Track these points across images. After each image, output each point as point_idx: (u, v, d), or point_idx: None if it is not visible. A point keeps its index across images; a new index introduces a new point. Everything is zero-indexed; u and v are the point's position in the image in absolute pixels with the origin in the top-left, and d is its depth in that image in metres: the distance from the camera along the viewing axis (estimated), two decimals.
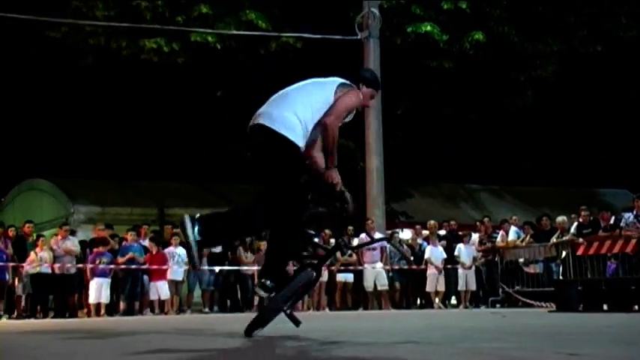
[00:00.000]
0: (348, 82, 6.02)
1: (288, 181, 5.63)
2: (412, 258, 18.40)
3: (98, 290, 16.29)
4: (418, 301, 18.80)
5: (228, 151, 22.87)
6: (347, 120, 5.97)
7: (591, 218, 16.37)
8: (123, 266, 16.75)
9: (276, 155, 5.67)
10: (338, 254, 14.44)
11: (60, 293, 16.70)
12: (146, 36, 19.81)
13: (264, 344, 5.57)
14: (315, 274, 6.05)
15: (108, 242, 17.09)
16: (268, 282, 5.75)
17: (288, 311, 5.84)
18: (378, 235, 17.06)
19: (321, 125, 5.73)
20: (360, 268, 17.77)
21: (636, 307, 12.38)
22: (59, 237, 16.84)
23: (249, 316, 6.18)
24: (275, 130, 5.65)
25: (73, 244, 16.80)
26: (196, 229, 5.68)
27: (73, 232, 17.84)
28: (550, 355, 4.43)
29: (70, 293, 16.82)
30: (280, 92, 6.01)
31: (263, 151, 5.75)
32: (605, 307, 12.74)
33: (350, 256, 17.08)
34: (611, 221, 15.92)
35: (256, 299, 17.11)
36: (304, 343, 5.42)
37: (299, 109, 5.74)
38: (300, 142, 5.68)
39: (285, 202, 5.61)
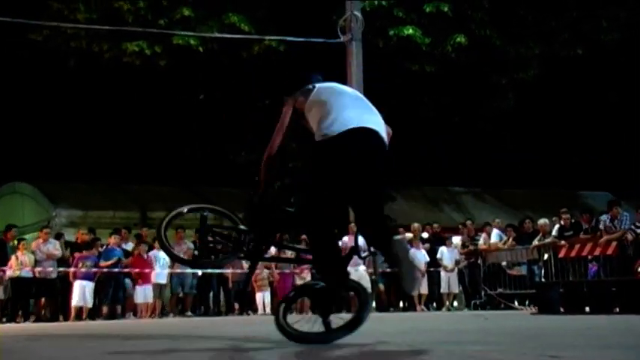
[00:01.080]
0: None
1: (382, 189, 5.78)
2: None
3: (81, 294, 16.23)
4: (401, 304, 18.82)
5: (211, 153, 22.83)
6: None
7: (573, 221, 16.45)
8: (106, 270, 16.70)
9: (383, 164, 5.64)
10: None
11: (41, 297, 16.61)
12: (128, 39, 19.73)
13: (257, 347, 5.57)
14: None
15: (92, 246, 17.00)
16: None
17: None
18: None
19: (389, 136, 5.80)
20: None
21: (617, 309, 12.46)
22: (40, 240, 16.75)
23: (233, 320, 6.16)
24: (384, 141, 5.65)
25: (54, 247, 16.71)
26: None
27: (59, 236, 17.75)
28: (531, 357, 4.46)
29: (52, 297, 16.73)
30: (354, 99, 5.84)
31: (377, 158, 5.62)
32: (586, 309, 12.82)
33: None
34: (592, 224, 16.02)
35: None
36: (289, 346, 5.41)
37: (381, 119, 5.80)
38: None
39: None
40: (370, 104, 5.82)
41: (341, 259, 5.73)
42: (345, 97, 5.75)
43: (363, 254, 6.13)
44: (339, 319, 5.67)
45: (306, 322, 5.74)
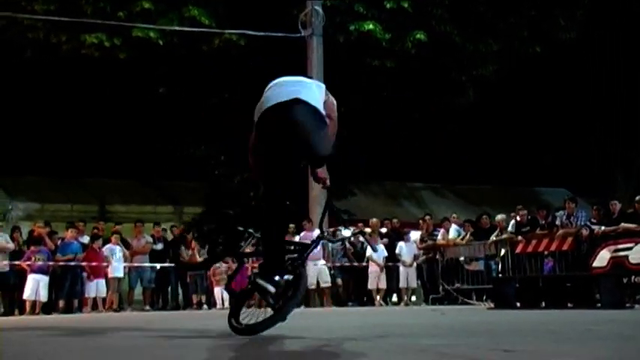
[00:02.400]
0: None
1: None
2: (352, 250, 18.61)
3: (35, 287, 16.02)
4: (359, 299, 18.89)
5: (170, 147, 22.70)
6: None
7: (529, 217, 16.61)
8: (61, 263, 16.53)
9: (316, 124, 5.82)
10: None
11: None
12: (87, 31, 19.52)
13: (211, 342, 5.55)
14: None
15: (43, 242, 16.76)
16: (277, 277, 5.62)
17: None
18: (316, 234, 17.00)
19: (332, 120, 5.97)
20: None
21: (570, 304, 12.65)
22: None
23: (191, 314, 6.15)
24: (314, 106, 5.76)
25: (6, 240, 16.48)
26: None
27: (16, 229, 17.53)
28: (485, 351, 4.50)
29: (5, 291, 16.52)
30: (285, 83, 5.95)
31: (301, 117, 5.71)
32: (541, 304, 12.99)
33: None
34: (549, 220, 16.20)
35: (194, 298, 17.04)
36: (241, 341, 5.40)
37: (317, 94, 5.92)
38: None
39: None
40: (302, 81, 5.96)
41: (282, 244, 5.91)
42: (276, 86, 5.91)
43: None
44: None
45: (254, 314, 5.80)
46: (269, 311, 5.65)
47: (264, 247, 5.84)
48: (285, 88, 5.78)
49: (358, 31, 20.32)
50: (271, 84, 5.92)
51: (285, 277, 5.69)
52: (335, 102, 6.02)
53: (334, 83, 19.34)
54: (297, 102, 5.62)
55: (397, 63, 21.38)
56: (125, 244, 17.75)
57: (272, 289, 5.56)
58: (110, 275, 17.11)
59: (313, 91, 5.79)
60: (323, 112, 5.74)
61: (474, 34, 21.83)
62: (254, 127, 5.79)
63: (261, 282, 5.61)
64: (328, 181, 6.06)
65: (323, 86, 6.04)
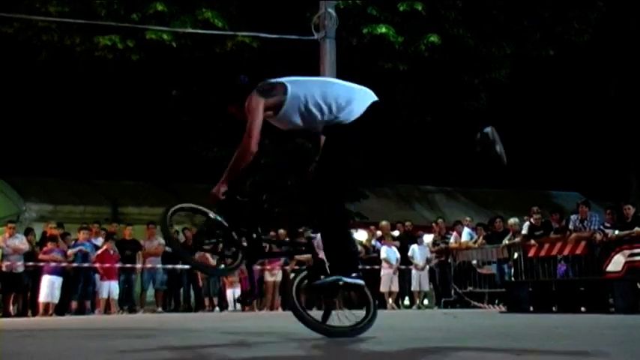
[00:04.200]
0: None
1: None
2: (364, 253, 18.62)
3: (50, 288, 16.09)
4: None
5: (183, 149, 22.74)
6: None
7: (543, 220, 16.55)
8: (74, 264, 16.59)
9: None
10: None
11: (9, 292, 16.46)
12: (101, 33, 19.60)
13: (226, 343, 5.55)
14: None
15: (57, 242, 16.83)
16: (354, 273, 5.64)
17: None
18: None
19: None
20: None
21: (583, 308, 12.58)
22: (7, 235, 16.59)
23: (203, 316, 6.14)
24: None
25: (21, 241, 16.55)
26: None
27: (28, 231, 17.60)
28: (498, 355, 4.48)
29: (19, 292, 16.58)
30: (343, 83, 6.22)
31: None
32: (554, 308, 12.93)
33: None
34: (562, 223, 16.14)
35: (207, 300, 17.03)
36: (254, 342, 5.40)
37: None
38: None
39: None
40: None
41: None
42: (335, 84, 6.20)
43: None
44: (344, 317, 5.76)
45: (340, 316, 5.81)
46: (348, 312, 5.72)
47: (333, 248, 5.73)
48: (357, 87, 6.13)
49: (371, 34, 20.34)
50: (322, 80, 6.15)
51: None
52: None
53: None
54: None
55: (410, 66, 21.38)
56: (136, 245, 17.82)
57: (362, 282, 5.66)
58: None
59: None
60: None
61: (488, 37, 21.80)
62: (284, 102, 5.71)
63: (349, 280, 5.62)
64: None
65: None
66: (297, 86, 5.73)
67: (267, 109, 5.65)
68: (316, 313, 5.76)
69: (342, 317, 5.78)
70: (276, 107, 5.67)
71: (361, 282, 5.64)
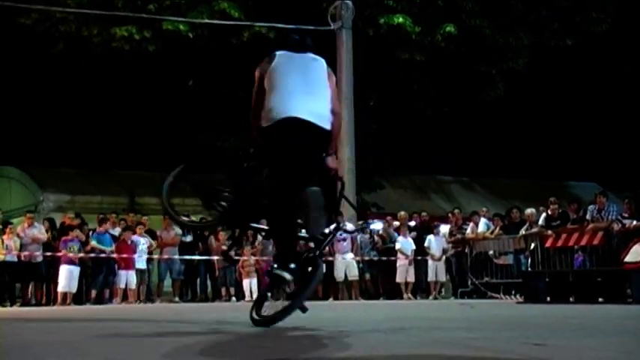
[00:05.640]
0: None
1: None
2: (381, 243, 18.65)
3: (68, 278, 16.18)
4: (388, 292, 18.87)
5: (199, 139, 22.77)
6: None
7: (560, 211, 16.49)
8: (92, 255, 16.69)
9: (314, 157, 5.78)
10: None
11: (27, 281, 16.59)
12: (117, 24, 19.65)
13: (239, 333, 5.58)
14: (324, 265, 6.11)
15: (76, 227, 16.95)
16: (292, 265, 5.64)
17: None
18: (349, 226, 16.97)
19: (336, 114, 5.84)
20: (331, 258, 17.82)
21: (600, 299, 12.54)
22: (26, 224, 16.71)
23: (219, 306, 6.18)
24: (324, 128, 5.70)
25: (39, 231, 16.67)
26: None
27: (49, 221, 17.73)
28: (516, 345, 4.48)
29: (37, 281, 16.70)
30: (295, 79, 5.83)
31: (315, 146, 5.76)
32: (571, 298, 12.89)
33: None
34: (580, 214, 16.06)
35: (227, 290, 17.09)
36: (270, 333, 5.42)
37: (326, 102, 5.80)
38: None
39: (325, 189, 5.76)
40: (316, 79, 5.87)
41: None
42: (290, 77, 5.80)
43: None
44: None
45: (273, 306, 5.82)
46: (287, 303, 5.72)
47: (275, 239, 5.97)
48: (309, 94, 5.74)
49: (388, 24, 20.28)
50: (288, 67, 5.86)
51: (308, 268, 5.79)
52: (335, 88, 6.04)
53: (364, 76, 19.46)
54: (310, 126, 5.61)
55: (427, 56, 21.31)
56: (152, 235, 17.87)
57: (289, 276, 5.64)
58: (136, 267, 17.25)
59: (320, 106, 5.75)
60: (328, 125, 5.73)
61: (505, 27, 21.70)
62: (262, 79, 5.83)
63: (277, 272, 5.69)
64: (339, 171, 6.03)
65: (324, 64, 6.00)
66: None
67: None
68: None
69: (271, 307, 5.84)
70: None
71: (286, 275, 5.65)
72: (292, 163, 5.59)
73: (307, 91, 5.75)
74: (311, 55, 6.02)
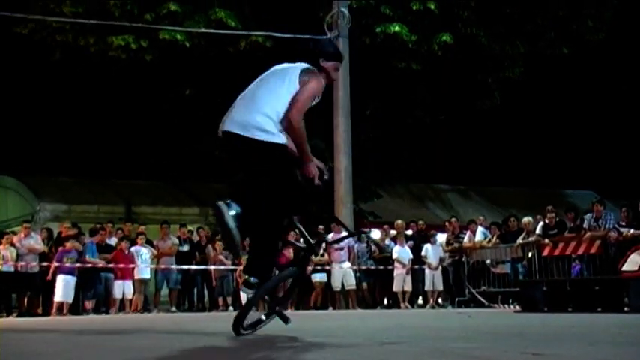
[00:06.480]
0: (310, 66, 5.86)
1: (282, 179, 5.62)
2: (378, 252, 18.63)
3: (65, 288, 16.11)
4: (385, 301, 18.85)
5: (197, 149, 22.77)
6: (313, 103, 5.84)
7: (557, 219, 16.49)
8: (89, 265, 16.64)
9: (262, 160, 5.57)
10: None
11: (24, 292, 16.53)
12: (114, 33, 19.66)
13: (238, 344, 5.56)
14: (298, 270, 6.13)
15: (75, 237, 16.90)
16: (252, 278, 5.61)
17: (277, 308, 5.90)
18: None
19: (286, 121, 5.59)
20: (328, 267, 17.80)
21: (599, 307, 12.51)
22: (22, 234, 16.65)
23: (216, 315, 6.17)
24: (251, 138, 5.54)
25: (36, 241, 16.62)
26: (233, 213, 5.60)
27: (45, 230, 17.68)
28: (514, 354, 4.47)
29: (33, 292, 16.64)
30: (246, 91, 5.86)
31: (246, 158, 5.67)
32: (569, 307, 12.86)
33: (322, 255, 17.20)
34: (577, 222, 16.06)
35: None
36: (268, 343, 5.41)
37: (267, 109, 5.59)
38: (280, 139, 5.57)
39: (285, 199, 5.61)
40: (268, 88, 5.79)
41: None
42: (247, 89, 5.92)
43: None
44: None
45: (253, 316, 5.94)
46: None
47: (252, 249, 5.86)
48: (245, 106, 5.75)
49: (384, 33, 20.33)
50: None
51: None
52: (313, 86, 5.72)
53: (361, 85, 19.44)
54: (237, 138, 5.62)
55: (423, 65, 21.35)
56: (150, 245, 17.85)
57: (247, 291, 5.69)
58: (137, 277, 17.20)
59: (272, 95, 5.69)
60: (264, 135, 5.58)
61: (501, 35, 21.75)
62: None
63: (242, 288, 5.82)
64: (317, 179, 5.73)
65: (300, 68, 5.83)
66: None
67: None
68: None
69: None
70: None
71: (247, 290, 5.70)
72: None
73: (244, 103, 5.77)
74: (293, 64, 5.92)
